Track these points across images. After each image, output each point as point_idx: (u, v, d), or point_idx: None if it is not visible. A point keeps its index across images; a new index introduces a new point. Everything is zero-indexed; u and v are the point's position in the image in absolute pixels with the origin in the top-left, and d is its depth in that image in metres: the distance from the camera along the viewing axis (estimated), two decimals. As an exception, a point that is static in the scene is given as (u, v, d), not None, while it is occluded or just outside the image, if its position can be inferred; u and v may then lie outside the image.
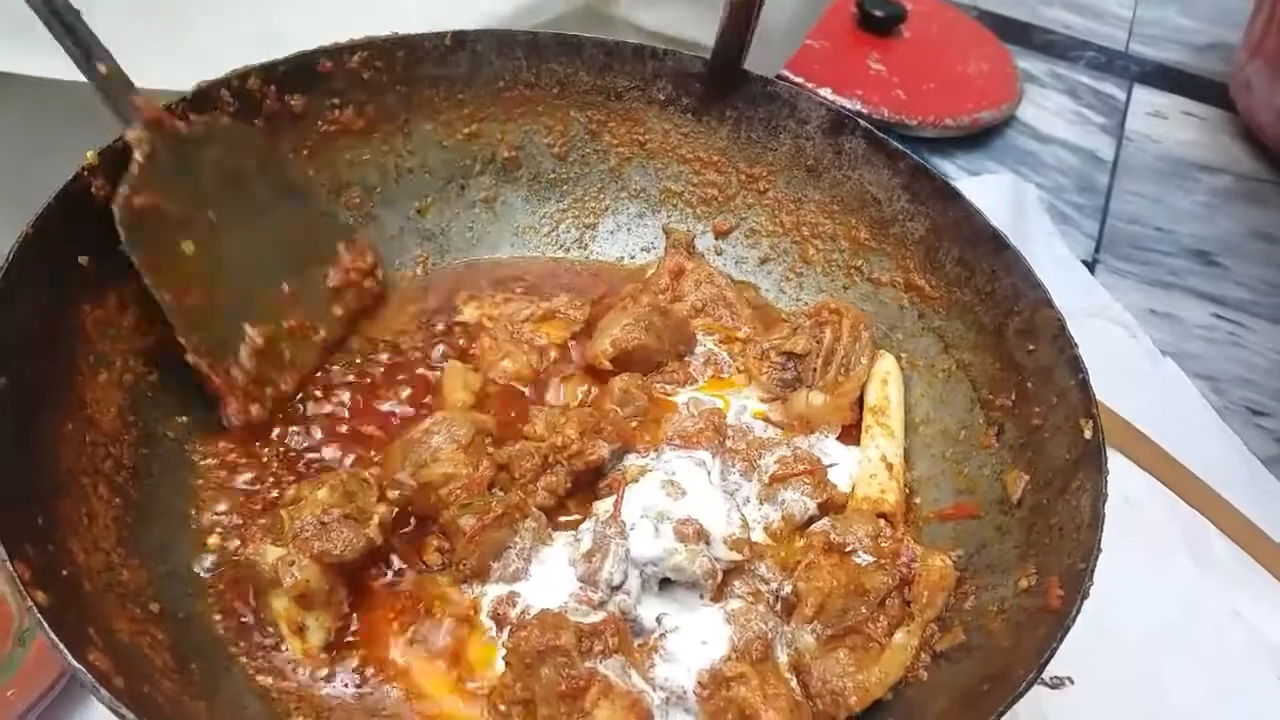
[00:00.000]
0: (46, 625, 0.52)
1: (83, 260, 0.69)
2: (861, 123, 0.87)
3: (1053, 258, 1.25)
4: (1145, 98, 1.68)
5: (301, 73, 0.81)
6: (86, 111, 0.69)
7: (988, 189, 1.27)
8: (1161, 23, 1.85)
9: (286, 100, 0.81)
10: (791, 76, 1.39)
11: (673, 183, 0.95)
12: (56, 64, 0.68)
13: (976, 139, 1.50)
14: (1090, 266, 1.35)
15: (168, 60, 0.77)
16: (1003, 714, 0.57)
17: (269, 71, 0.79)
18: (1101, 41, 1.78)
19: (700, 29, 0.89)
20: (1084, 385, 0.72)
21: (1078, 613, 0.61)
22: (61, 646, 0.52)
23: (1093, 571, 0.63)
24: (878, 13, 1.52)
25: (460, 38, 0.87)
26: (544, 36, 0.89)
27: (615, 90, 0.92)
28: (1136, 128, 1.61)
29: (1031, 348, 0.76)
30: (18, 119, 0.80)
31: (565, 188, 0.94)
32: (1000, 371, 0.79)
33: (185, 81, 0.76)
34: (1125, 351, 1.21)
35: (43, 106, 0.78)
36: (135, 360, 0.72)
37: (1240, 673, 0.90)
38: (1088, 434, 0.70)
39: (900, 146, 0.86)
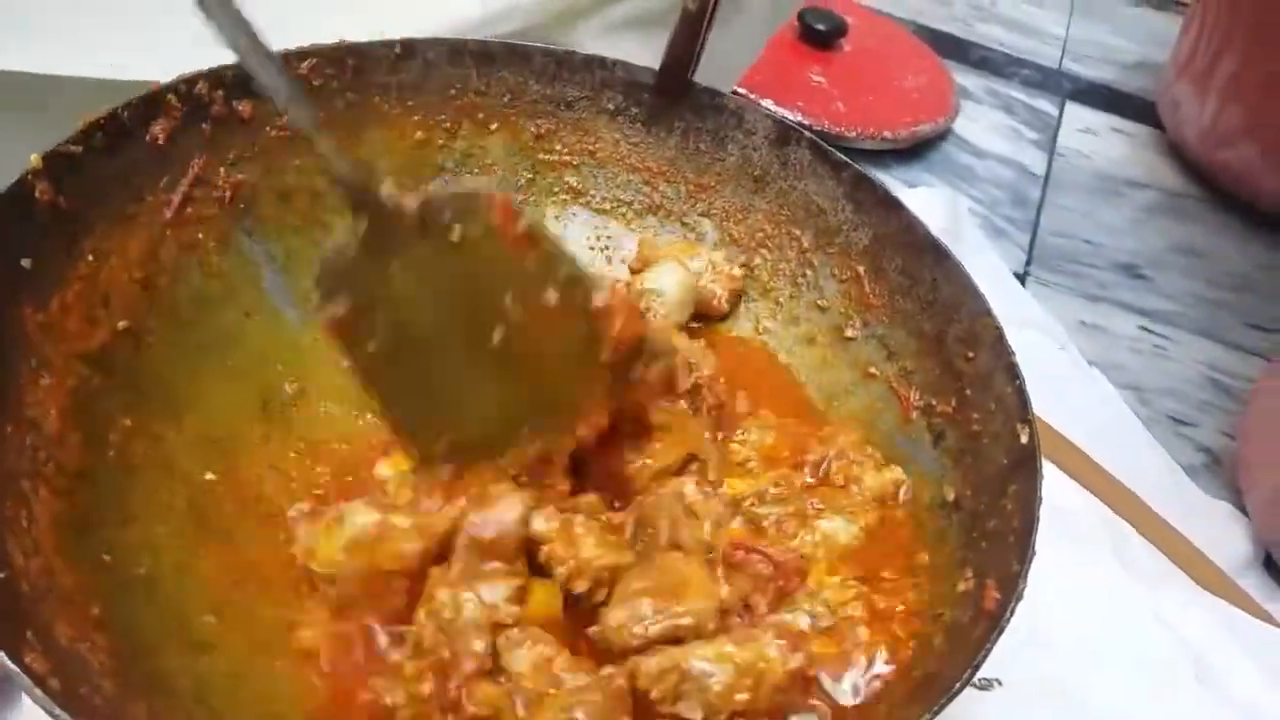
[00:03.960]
0: None
1: (25, 263, 0.68)
2: (807, 134, 0.89)
3: (985, 269, 1.28)
4: (1077, 114, 1.72)
5: (250, 78, 0.80)
6: (23, 108, 0.69)
7: (923, 201, 1.29)
8: (1094, 42, 1.90)
9: (234, 106, 0.80)
10: (735, 88, 1.40)
11: (622, 191, 0.96)
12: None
13: (914, 152, 1.53)
14: (1021, 279, 1.39)
15: (123, 55, 0.76)
16: (937, 713, 0.58)
17: (217, 76, 0.78)
18: (1036, 59, 1.82)
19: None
20: (1020, 391, 0.74)
21: (1012, 614, 0.63)
22: None
23: (1027, 574, 0.64)
24: (819, 26, 1.55)
25: (410, 46, 0.87)
26: (494, 45, 0.89)
27: (565, 99, 0.92)
28: (1068, 144, 1.66)
29: (971, 355, 0.78)
30: None
31: (515, 196, 0.94)
32: (940, 378, 0.81)
33: (138, 74, 0.75)
34: (1054, 362, 1.24)
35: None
36: (79, 364, 0.71)
37: (1161, 674, 0.92)
38: (1024, 439, 0.72)
39: (843, 158, 0.88)
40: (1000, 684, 0.87)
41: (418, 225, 0.65)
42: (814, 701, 0.67)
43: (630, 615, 0.65)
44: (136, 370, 0.74)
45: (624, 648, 0.65)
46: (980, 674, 0.61)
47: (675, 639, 0.65)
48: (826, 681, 0.69)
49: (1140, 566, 1.01)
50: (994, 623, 0.63)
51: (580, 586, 0.67)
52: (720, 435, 0.82)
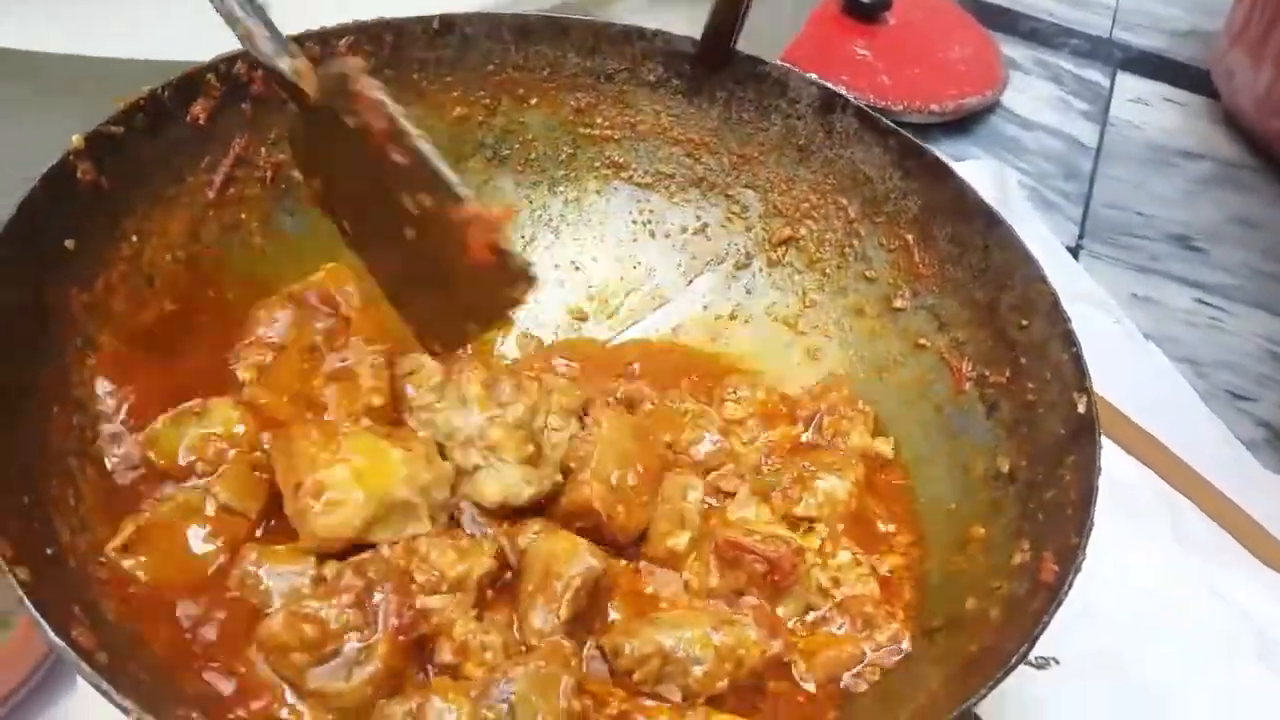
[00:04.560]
0: (28, 601, 0.52)
1: (69, 244, 0.68)
2: (853, 101, 0.87)
3: (1036, 242, 1.25)
4: (1129, 84, 1.69)
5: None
6: (64, 89, 0.69)
7: (971, 174, 1.26)
8: (1145, 10, 1.86)
9: (274, 85, 0.80)
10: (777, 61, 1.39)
11: (664, 165, 0.94)
12: (32, 36, 0.68)
13: (961, 125, 1.51)
14: (1074, 252, 1.36)
15: (158, 34, 0.76)
16: (993, 687, 0.57)
17: (256, 56, 0.78)
18: (1085, 29, 1.79)
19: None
20: (1077, 359, 0.72)
21: (1070, 587, 0.61)
22: (43, 622, 0.51)
23: (1086, 545, 0.63)
24: (864, -1, 1.53)
25: (448, 21, 0.86)
26: (533, 19, 0.88)
27: (605, 72, 0.91)
28: (1120, 114, 1.62)
29: (1025, 323, 0.77)
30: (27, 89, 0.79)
31: (556, 171, 0.94)
32: (994, 348, 0.79)
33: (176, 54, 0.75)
34: (1109, 336, 1.22)
35: (24, 83, 0.78)
36: (125, 343, 0.72)
37: (1220, 651, 0.90)
38: (1081, 408, 0.70)
39: (891, 124, 0.86)
40: (1057, 663, 0.85)
41: (325, 109, 0.65)
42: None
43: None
44: (181, 350, 0.74)
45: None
46: (1036, 652, 0.60)
47: None
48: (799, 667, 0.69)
49: (1197, 541, 0.99)
50: (1052, 595, 0.61)
51: None
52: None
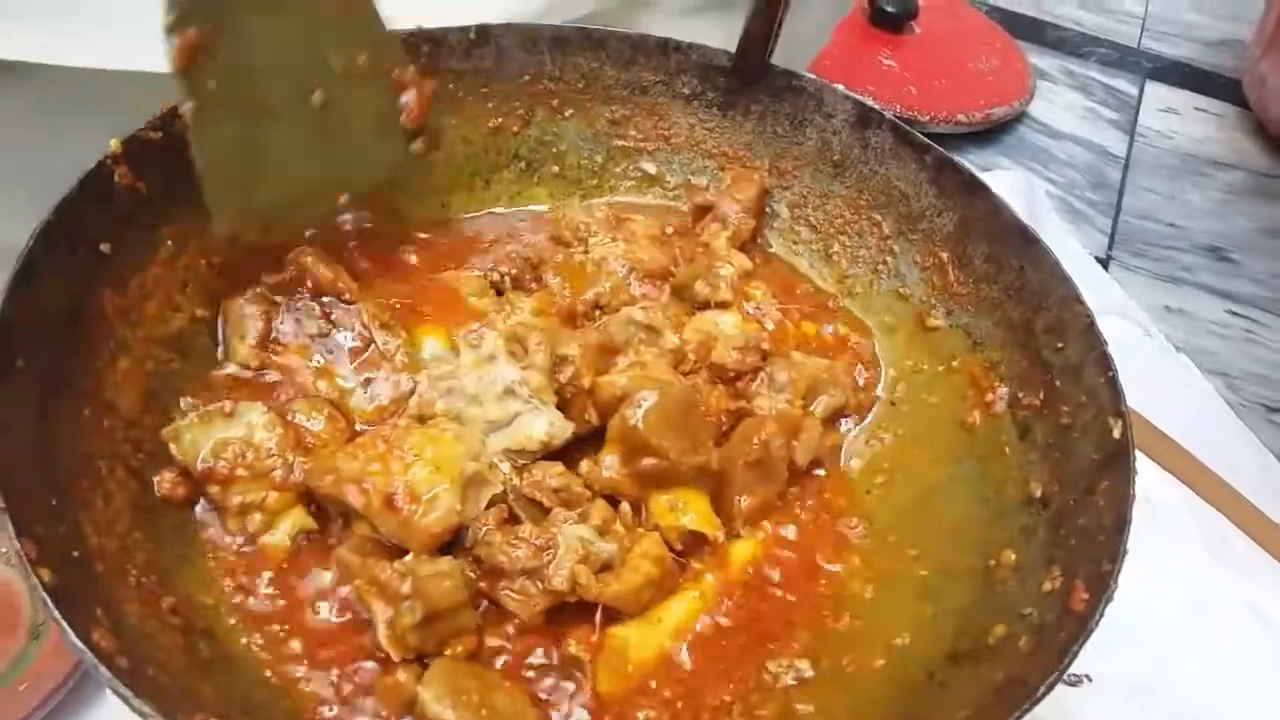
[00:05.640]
0: (50, 603, 0.52)
1: (104, 248, 0.69)
2: (888, 116, 0.87)
3: (1066, 254, 1.25)
4: (1158, 94, 1.68)
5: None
6: (97, 98, 0.69)
7: (999, 185, 1.25)
8: (1174, 19, 1.85)
9: None
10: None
11: (697, 177, 0.94)
12: (61, 50, 0.68)
13: (988, 135, 1.50)
14: (1104, 263, 1.35)
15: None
16: (1020, 719, 0.57)
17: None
18: (1113, 38, 1.78)
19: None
20: (1113, 383, 0.71)
21: (1101, 616, 0.60)
22: (64, 624, 0.52)
23: (1118, 574, 0.62)
24: (889, 8, 1.52)
25: (485, 31, 0.86)
26: (568, 30, 0.88)
27: (640, 84, 0.91)
28: (1149, 124, 1.61)
29: (1060, 345, 0.76)
30: (29, 104, 0.79)
31: (589, 183, 0.94)
32: (1028, 370, 0.78)
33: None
34: (1140, 348, 1.21)
35: (52, 92, 0.78)
36: (157, 347, 0.72)
37: (1258, 669, 0.89)
38: (1116, 433, 0.69)
39: (926, 140, 0.86)
40: (1089, 680, 0.85)
41: None
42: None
43: None
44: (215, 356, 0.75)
45: None
46: (1070, 671, 0.59)
47: None
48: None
49: (1232, 557, 0.98)
50: (1082, 625, 0.60)
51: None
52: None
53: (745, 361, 0.79)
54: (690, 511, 0.71)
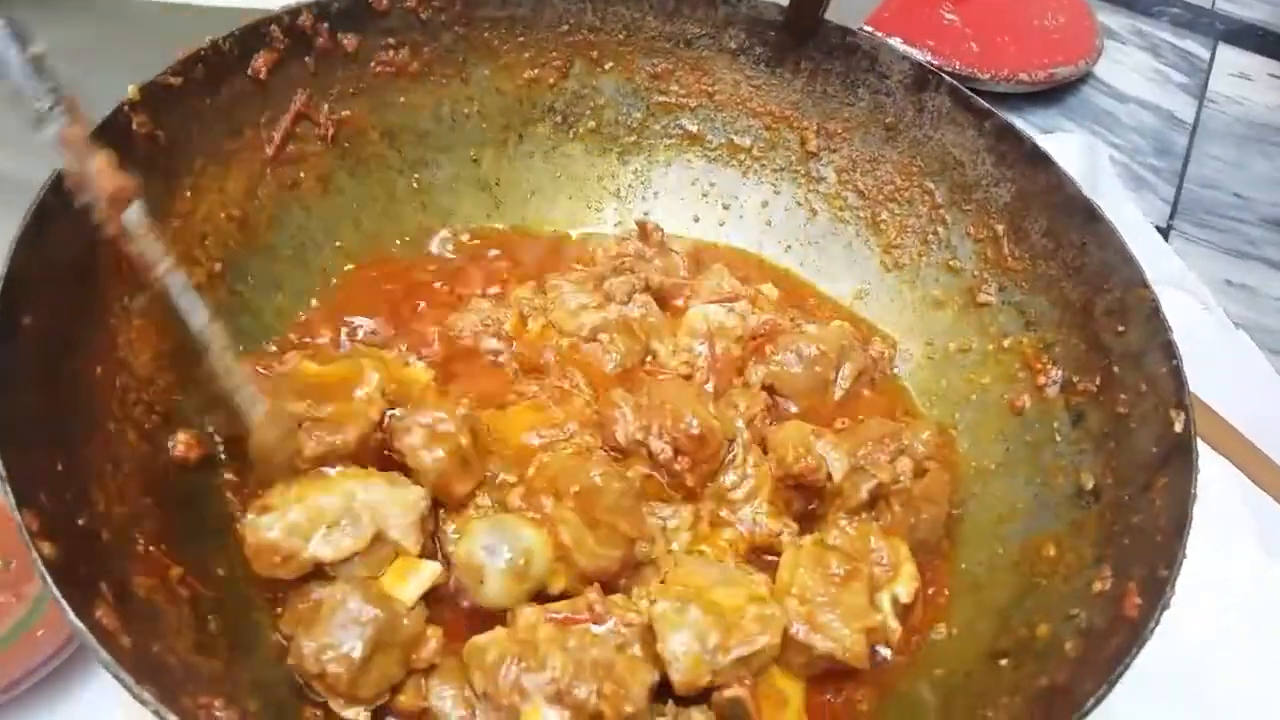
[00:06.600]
0: (50, 579, 0.49)
1: None
2: (946, 78, 0.83)
3: (1125, 223, 1.20)
4: (1230, 58, 1.61)
5: (356, 10, 0.77)
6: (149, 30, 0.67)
7: (1059, 148, 1.21)
8: (1250, -21, 1.77)
9: (339, 39, 0.77)
10: (862, 26, 1.33)
11: (740, 137, 0.90)
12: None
13: (1051, 95, 1.44)
14: (1164, 233, 1.30)
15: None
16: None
17: (322, 8, 0.75)
18: (1187, -3, 1.71)
19: None
20: (1177, 373, 0.67)
21: (1156, 624, 0.57)
22: (64, 603, 0.49)
23: (1175, 580, 0.58)
24: (953, -40, 1.46)
25: (523, -24, 0.83)
26: (611, -23, 0.85)
27: (684, 37, 0.87)
28: (1219, 89, 1.54)
29: (1121, 329, 0.72)
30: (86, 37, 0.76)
31: (627, 140, 0.91)
32: (1085, 353, 0.74)
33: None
34: (1198, 324, 1.16)
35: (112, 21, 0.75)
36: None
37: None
38: (1178, 426, 0.66)
39: (986, 105, 0.81)
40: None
41: None
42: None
43: None
44: (232, 309, 0.73)
45: None
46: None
47: None
48: None
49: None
50: (1135, 632, 0.57)
51: None
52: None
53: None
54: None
